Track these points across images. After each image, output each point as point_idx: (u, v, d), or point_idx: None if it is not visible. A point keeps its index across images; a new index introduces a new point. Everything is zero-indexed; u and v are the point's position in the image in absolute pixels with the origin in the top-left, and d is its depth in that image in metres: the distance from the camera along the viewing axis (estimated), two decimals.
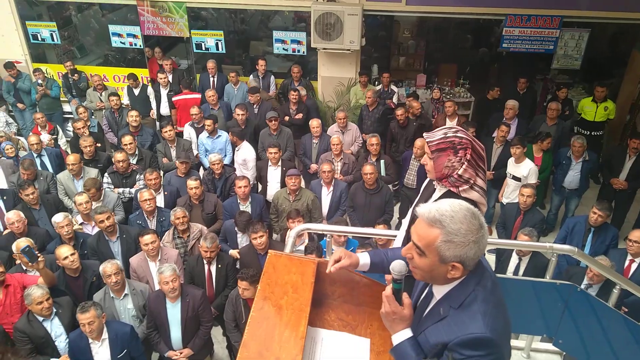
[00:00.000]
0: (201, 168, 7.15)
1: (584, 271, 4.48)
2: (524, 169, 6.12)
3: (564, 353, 3.28)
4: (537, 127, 7.13)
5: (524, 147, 6.16)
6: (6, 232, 5.25)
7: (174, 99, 8.12)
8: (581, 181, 6.47)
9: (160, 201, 5.80)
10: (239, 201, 5.69)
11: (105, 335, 3.96)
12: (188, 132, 7.27)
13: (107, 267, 4.25)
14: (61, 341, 4.13)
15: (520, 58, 8.64)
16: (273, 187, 6.31)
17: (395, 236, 2.64)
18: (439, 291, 1.64)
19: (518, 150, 6.07)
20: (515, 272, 4.80)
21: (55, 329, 4.12)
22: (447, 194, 2.20)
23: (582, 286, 4.36)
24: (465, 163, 2.12)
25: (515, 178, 6.22)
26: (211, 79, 8.47)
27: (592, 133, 7.44)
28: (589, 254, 4.95)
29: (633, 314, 3.23)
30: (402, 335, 1.67)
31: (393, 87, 8.41)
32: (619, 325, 2.90)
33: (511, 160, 6.27)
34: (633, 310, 3.83)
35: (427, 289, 1.75)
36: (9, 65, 8.52)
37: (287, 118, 7.58)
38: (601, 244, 5.16)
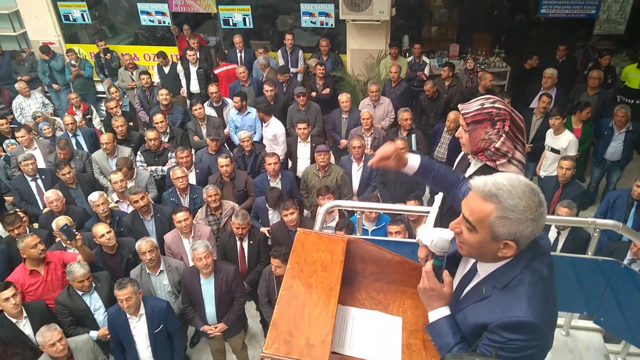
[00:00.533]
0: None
1: (626, 246, 4.30)
2: (563, 141, 5.88)
3: (605, 331, 3.17)
4: (577, 97, 6.81)
5: (564, 118, 5.89)
6: (46, 210, 5.42)
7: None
8: (624, 152, 6.18)
9: (192, 179, 5.85)
10: (269, 178, 5.69)
11: (142, 310, 4.07)
12: (208, 112, 7.28)
13: (142, 245, 4.34)
14: (100, 314, 4.28)
15: (560, 24, 8.23)
16: (303, 163, 6.28)
17: (427, 212, 2.56)
18: (484, 269, 1.56)
19: (557, 121, 5.82)
20: (553, 246, 4.66)
21: (94, 302, 4.27)
22: (483, 169, 2.11)
23: (625, 262, 4.20)
24: (504, 135, 2.02)
25: (554, 150, 5.98)
26: (238, 54, 8.42)
27: (637, 102, 7.08)
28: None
29: None
30: (439, 312, 1.61)
31: (425, 59, 8.17)
32: None
33: (550, 132, 6.02)
34: None
35: (471, 265, 1.67)
36: (45, 49, 8.68)
37: (314, 93, 7.49)
38: None
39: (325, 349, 1.61)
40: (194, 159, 6.07)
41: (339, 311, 1.89)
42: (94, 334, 4.19)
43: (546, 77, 6.80)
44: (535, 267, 1.47)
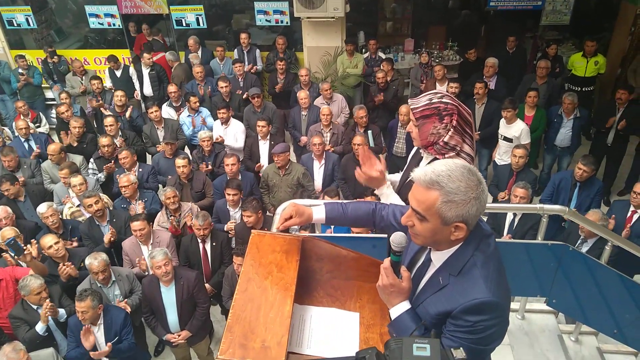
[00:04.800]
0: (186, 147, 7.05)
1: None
2: (515, 130, 6.06)
3: (559, 312, 3.30)
4: (528, 86, 7.03)
5: (515, 109, 6.07)
6: None
7: (155, 58, 8.10)
8: (573, 139, 6.42)
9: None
10: (228, 179, 5.61)
11: (101, 320, 3.99)
12: (167, 112, 7.13)
13: (94, 264, 4.18)
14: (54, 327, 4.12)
15: (509, 16, 8.46)
16: (264, 160, 6.24)
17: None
18: (438, 258, 1.60)
19: (509, 113, 6.00)
20: (510, 227, 4.80)
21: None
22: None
23: (579, 241, 4.37)
24: (451, 129, 2.07)
25: (506, 139, 6.15)
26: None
27: (583, 89, 7.34)
28: (574, 208, 4.97)
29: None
30: (400, 307, 1.63)
31: (381, 54, 8.24)
32: (611, 281, 2.89)
33: (502, 121, 6.19)
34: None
35: (424, 256, 1.70)
36: None
37: (277, 88, 7.47)
38: (586, 198, 5.21)
39: (281, 350, 1.60)
40: (152, 163, 5.95)
41: (296, 311, 1.89)
42: (39, 327, 4.01)
43: (488, 66, 7.06)
44: (483, 249, 1.53)
